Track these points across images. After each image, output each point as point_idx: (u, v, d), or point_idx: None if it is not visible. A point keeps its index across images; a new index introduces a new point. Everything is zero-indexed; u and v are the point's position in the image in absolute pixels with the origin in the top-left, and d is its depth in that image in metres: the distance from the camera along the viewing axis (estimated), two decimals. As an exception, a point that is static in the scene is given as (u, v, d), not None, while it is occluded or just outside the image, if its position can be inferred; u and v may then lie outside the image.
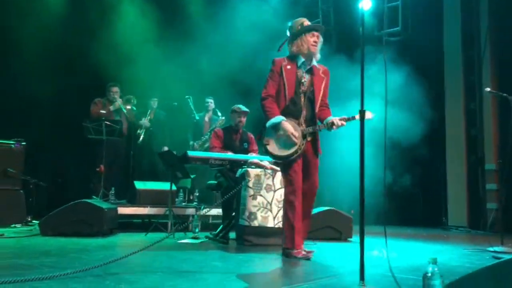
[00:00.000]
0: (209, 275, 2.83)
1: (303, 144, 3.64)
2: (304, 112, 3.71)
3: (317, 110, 3.72)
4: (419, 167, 8.19)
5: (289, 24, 3.81)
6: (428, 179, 8.41)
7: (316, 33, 3.71)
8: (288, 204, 3.62)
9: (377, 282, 2.59)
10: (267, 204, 4.48)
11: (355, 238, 5.16)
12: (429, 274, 1.94)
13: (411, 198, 8.57)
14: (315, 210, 5.34)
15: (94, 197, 5.94)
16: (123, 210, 5.57)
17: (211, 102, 7.34)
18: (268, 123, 3.63)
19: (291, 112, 3.67)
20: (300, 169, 3.66)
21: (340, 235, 5.25)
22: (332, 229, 5.25)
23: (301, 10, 8.58)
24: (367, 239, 2.47)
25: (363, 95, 2.57)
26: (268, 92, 3.67)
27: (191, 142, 7.22)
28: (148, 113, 7.26)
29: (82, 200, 4.83)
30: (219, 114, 7.10)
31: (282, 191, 4.07)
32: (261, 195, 4.47)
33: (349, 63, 6.52)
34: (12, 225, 5.41)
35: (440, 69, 8.14)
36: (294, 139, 3.58)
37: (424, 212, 8.46)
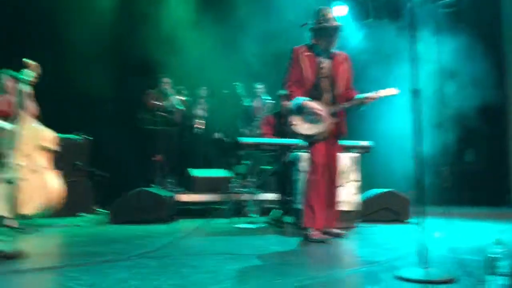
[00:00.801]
0: (268, 259, 2.88)
1: (330, 124, 3.71)
2: (325, 96, 3.78)
3: (338, 93, 3.80)
4: (481, 143, 7.81)
5: (316, 10, 3.84)
6: (491, 155, 8.00)
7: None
8: (309, 183, 3.70)
9: (439, 264, 2.53)
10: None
11: (414, 220, 5.03)
12: (494, 255, 1.87)
13: (474, 176, 8.20)
14: (372, 192, 5.28)
15: (153, 185, 6.18)
16: (181, 198, 5.76)
17: (260, 88, 7.36)
18: (292, 105, 3.74)
19: (313, 96, 3.75)
20: (323, 148, 3.73)
21: (398, 217, 5.15)
22: (390, 211, 5.16)
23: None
24: (427, 220, 2.41)
25: (415, 73, 2.48)
26: (289, 78, 3.81)
27: (242, 129, 7.30)
28: (199, 102, 7.40)
29: (143, 188, 5.05)
30: (268, 99, 7.10)
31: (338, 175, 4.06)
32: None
33: (397, 31, 6.32)
34: (80, 214, 5.77)
35: (500, 39, 7.65)
36: (319, 112, 3.64)
37: (488, 191, 8.07)
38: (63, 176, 4.89)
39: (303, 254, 3.18)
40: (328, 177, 3.85)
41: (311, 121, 3.70)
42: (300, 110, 3.70)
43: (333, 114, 3.77)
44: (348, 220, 4.52)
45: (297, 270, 2.56)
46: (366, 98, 3.70)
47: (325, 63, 3.79)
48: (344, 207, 4.47)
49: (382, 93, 3.72)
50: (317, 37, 3.79)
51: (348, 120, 3.96)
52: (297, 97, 3.71)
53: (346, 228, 4.14)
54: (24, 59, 4.63)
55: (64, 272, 2.54)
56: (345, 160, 4.54)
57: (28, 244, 3.58)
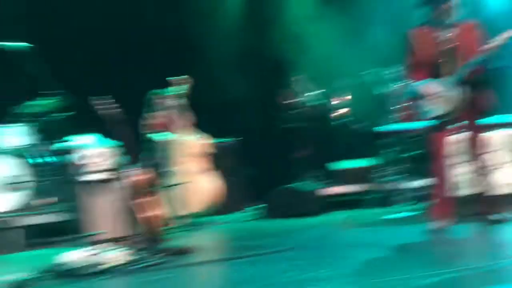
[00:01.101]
0: (419, 248, 2.85)
1: (454, 102, 3.43)
2: (451, 69, 3.49)
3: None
4: None
5: None
6: None
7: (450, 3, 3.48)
8: (433, 174, 3.53)
9: None
10: (469, 171, 4.17)
11: None
12: None
13: None
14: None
15: (300, 181, 6.41)
16: (326, 191, 5.88)
17: (392, 73, 7.10)
18: (412, 90, 3.61)
19: (436, 73, 3.52)
20: (444, 134, 3.51)
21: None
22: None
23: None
24: None
25: None
26: (408, 62, 3.67)
27: (380, 117, 7.10)
28: (335, 94, 7.43)
29: (291, 185, 5.34)
30: (402, 83, 6.81)
31: (484, 156, 3.77)
32: (461, 163, 4.17)
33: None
34: (234, 212, 6.29)
35: None
36: (435, 93, 3.44)
37: None
38: (219, 177, 5.45)
39: (457, 244, 3.05)
40: (472, 160, 3.61)
41: (433, 104, 3.49)
42: (419, 95, 3.56)
43: (460, 82, 3.45)
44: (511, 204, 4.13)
45: (451, 260, 2.49)
46: (491, 47, 3.34)
47: (445, 35, 3.53)
48: (504, 190, 4.11)
49: (506, 34, 3.33)
50: (433, 9, 3.55)
51: (499, 94, 3.63)
52: (415, 82, 3.58)
53: (509, 213, 3.80)
54: (170, 78, 5.25)
55: (229, 264, 2.88)
56: (498, 139, 4.16)
57: (197, 239, 4.08)
